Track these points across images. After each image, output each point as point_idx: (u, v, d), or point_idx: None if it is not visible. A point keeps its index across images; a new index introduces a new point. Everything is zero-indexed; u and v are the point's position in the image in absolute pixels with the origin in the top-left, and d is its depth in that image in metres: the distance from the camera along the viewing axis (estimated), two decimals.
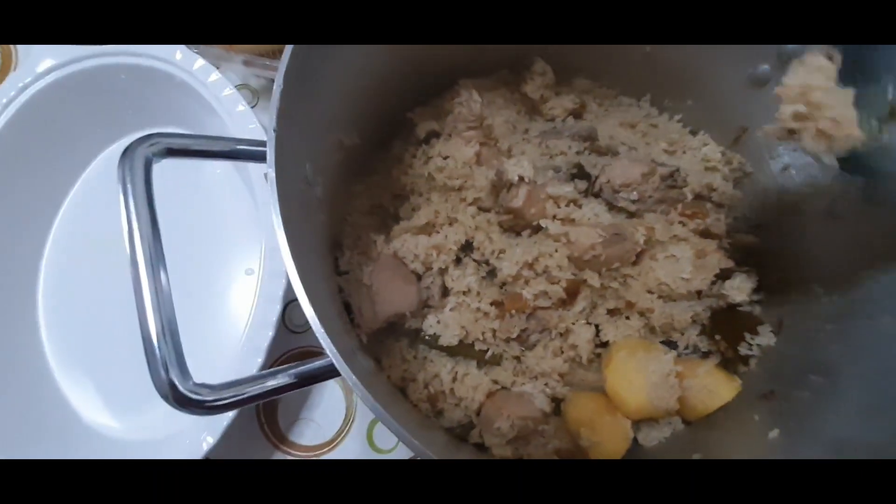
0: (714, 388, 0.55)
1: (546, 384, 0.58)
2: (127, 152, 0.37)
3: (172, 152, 0.37)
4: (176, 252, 0.68)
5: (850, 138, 0.43)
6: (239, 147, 0.40)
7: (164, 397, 0.31)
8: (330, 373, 0.34)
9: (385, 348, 0.59)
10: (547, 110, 0.70)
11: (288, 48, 0.38)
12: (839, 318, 0.52)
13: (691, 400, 0.55)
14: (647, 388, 0.53)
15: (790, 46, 0.52)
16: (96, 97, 0.74)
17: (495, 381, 0.58)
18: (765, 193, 0.64)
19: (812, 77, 0.44)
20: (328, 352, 0.31)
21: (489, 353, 0.58)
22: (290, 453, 0.69)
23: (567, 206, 0.59)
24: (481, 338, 0.57)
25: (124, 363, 0.65)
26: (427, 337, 0.58)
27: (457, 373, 0.57)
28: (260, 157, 0.41)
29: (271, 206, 0.32)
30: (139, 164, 0.35)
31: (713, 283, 0.59)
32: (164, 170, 0.37)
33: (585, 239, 0.56)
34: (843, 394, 0.46)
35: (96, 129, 0.77)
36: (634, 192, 0.60)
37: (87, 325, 0.74)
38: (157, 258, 0.33)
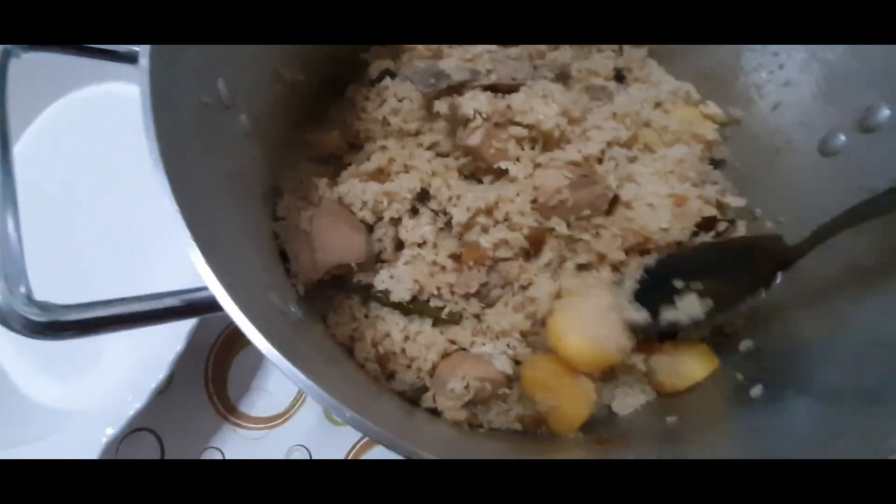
0: (686, 366, 0.50)
1: (508, 345, 0.52)
2: None
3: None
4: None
5: None
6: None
7: None
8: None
9: (333, 305, 0.54)
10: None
11: None
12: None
13: (660, 376, 0.50)
14: (584, 327, 0.47)
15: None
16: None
17: (452, 341, 0.52)
18: (754, 139, 0.58)
19: None
20: (205, 279, 0.25)
21: (446, 311, 0.52)
22: (240, 425, 0.64)
23: (532, 148, 0.53)
24: (437, 293, 0.52)
25: None
26: (379, 293, 0.52)
27: (409, 331, 0.52)
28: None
29: (140, 102, 0.26)
30: None
31: (694, 233, 0.54)
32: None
33: (551, 182, 0.50)
34: (839, 340, 0.40)
35: (42, 80, 0.71)
36: None
37: None
38: None
